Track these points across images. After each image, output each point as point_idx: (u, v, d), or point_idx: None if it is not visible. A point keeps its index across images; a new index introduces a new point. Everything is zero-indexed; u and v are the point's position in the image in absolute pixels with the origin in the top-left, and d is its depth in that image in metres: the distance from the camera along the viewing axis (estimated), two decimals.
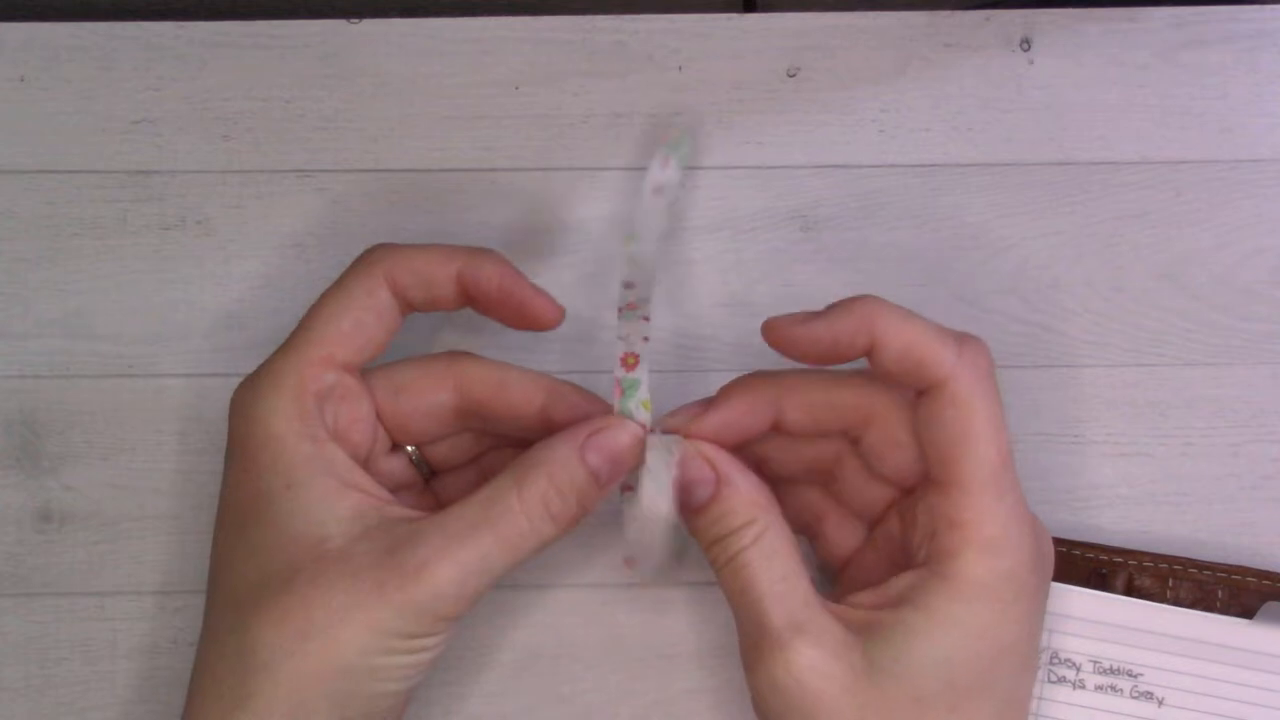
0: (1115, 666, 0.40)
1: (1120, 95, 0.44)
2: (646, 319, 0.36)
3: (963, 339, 0.35)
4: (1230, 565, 0.41)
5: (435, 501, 0.40)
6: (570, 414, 0.37)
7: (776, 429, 0.37)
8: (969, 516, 0.34)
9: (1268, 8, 0.45)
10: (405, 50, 0.44)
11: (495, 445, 0.40)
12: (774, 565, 0.35)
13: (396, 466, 0.40)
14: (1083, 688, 0.40)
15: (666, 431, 0.37)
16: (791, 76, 0.44)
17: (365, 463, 0.38)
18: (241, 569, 0.36)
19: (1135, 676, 0.40)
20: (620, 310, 0.36)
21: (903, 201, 0.44)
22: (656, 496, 0.35)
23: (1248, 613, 0.41)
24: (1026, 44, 0.45)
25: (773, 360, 0.44)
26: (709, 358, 0.44)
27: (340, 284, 0.37)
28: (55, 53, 0.44)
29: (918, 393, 0.35)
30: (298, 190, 0.44)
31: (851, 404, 0.37)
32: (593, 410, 0.37)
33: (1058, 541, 0.42)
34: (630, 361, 0.36)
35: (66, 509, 0.43)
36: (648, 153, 0.42)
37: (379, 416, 0.39)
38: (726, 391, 0.37)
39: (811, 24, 0.45)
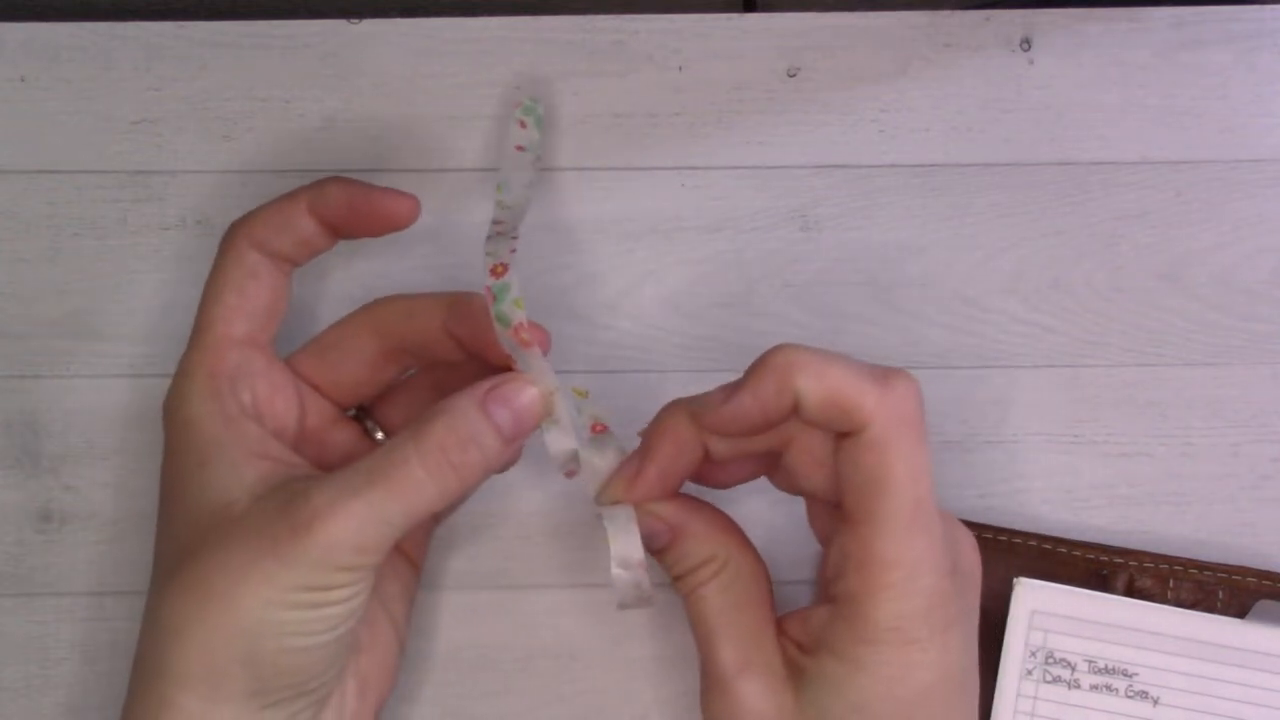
0: (1110, 666, 0.40)
1: (1120, 95, 0.44)
2: (514, 239, 0.37)
3: (887, 379, 0.34)
4: (1230, 565, 0.41)
5: None
6: (465, 324, 0.38)
7: (706, 459, 0.37)
8: (877, 558, 0.34)
9: (1268, 8, 0.45)
10: (405, 50, 0.44)
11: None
12: (729, 600, 0.36)
13: (348, 436, 0.40)
14: (1078, 687, 0.40)
15: (613, 503, 0.37)
16: (791, 76, 0.44)
17: (303, 434, 0.39)
18: (161, 548, 0.37)
19: (1130, 676, 0.40)
20: (488, 237, 0.37)
21: (903, 201, 0.44)
22: (627, 550, 0.36)
23: (1247, 612, 0.41)
24: (1026, 44, 0.45)
25: None
26: (709, 358, 0.44)
27: (213, 267, 0.38)
28: (55, 53, 0.44)
29: (837, 435, 0.35)
30: None
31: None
32: (483, 314, 0.37)
33: (1058, 542, 0.42)
34: (499, 270, 0.37)
35: (66, 509, 0.43)
36: (505, 118, 0.44)
37: (318, 388, 0.39)
38: (649, 442, 0.37)
39: (811, 24, 0.45)
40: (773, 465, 0.38)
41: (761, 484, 0.38)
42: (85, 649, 0.42)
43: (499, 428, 0.35)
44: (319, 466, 0.38)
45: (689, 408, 0.36)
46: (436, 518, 0.42)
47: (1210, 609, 0.41)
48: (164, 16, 0.44)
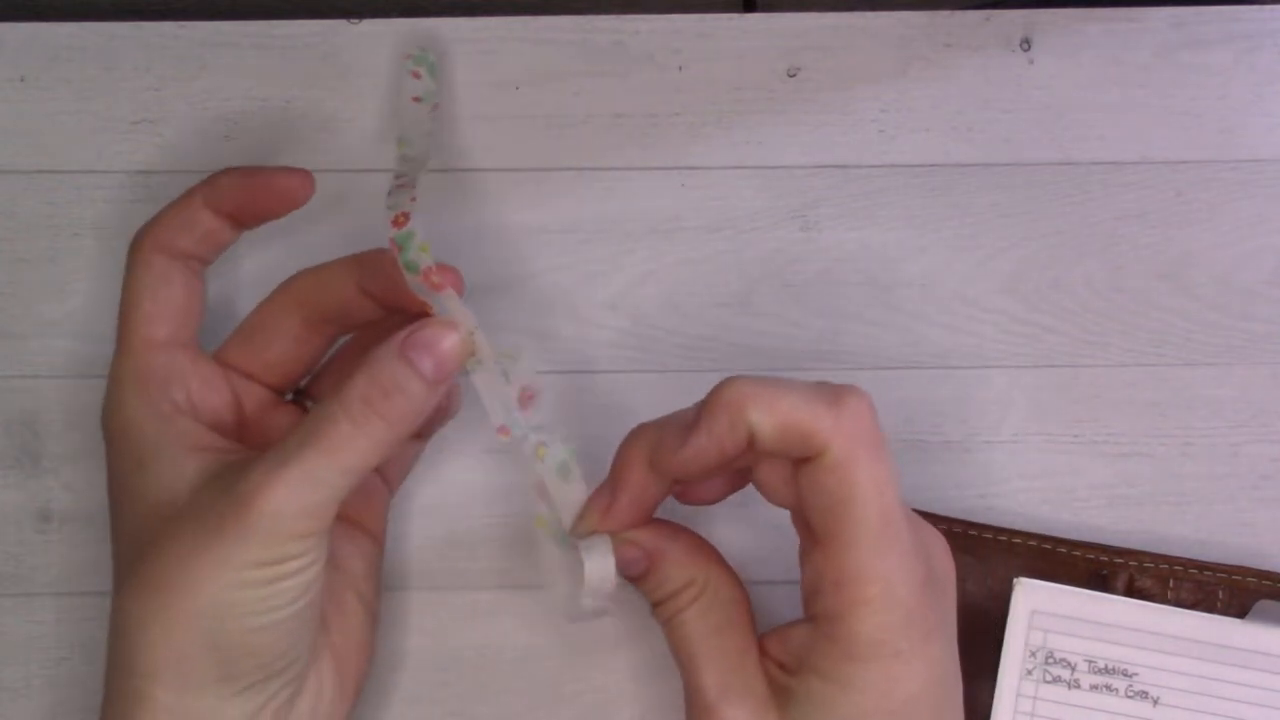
0: (1110, 666, 0.40)
1: (1120, 95, 0.44)
2: (414, 187, 0.38)
3: (839, 399, 0.34)
4: (1230, 565, 0.41)
5: None
6: (377, 280, 0.38)
7: (677, 481, 0.37)
8: (851, 576, 0.34)
9: (1268, 8, 0.45)
10: (405, 50, 0.44)
11: None
12: (709, 624, 0.36)
13: (289, 419, 0.40)
14: (1077, 687, 0.40)
15: (587, 534, 0.37)
16: (791, 76, 0.44)
17: (243, 424, 0.39)
18: (117, 550, 0.37)
19: (1130, 676, 0.40)
20: (389, 192, 0.37)
21: (903, 201, 0.44)
22: (601, 579, 0.36)
23: (1247, 613, 0.41)
24: (1026, 44, 0.45)
25: (772, 359, 0.44)
26: (709, 358, 0.44)
27: (125, 276, 0.39)
28: (55, 53, 0.44)
29: (796, 460, 0.35)
30: None
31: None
32: (392, 267, 0.37)
33: (1058, 542, 0.42)
34: (400, 220, 0.37)
35: (66, 509, 0.43)
36: (396, 71, 0.44)
37: (251, 375, 0.40)
38: (618, 470, 0.37)
39: (811, 24, 0.45)
40: (747, 480, 0.38)
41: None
42: (85, 649, 0.42)
43: (421, 372, 0.35)
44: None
45: (647, 451, 0.36)
46: (390, 484, 0.42)
47: (1210, 609, 0.41)
48: (164, 16, 0.44)
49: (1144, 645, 0.40)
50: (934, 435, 0.43)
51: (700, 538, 0.38)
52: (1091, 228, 0.44)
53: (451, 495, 0.43)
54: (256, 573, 0.34)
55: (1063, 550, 0.41)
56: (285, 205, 0.39)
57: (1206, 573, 0.41)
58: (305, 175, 0.39)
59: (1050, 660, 0.40)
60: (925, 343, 0.44)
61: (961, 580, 0.41)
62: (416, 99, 0.40)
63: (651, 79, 0.44)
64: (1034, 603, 0.40)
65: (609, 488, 0.37)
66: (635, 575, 0.37)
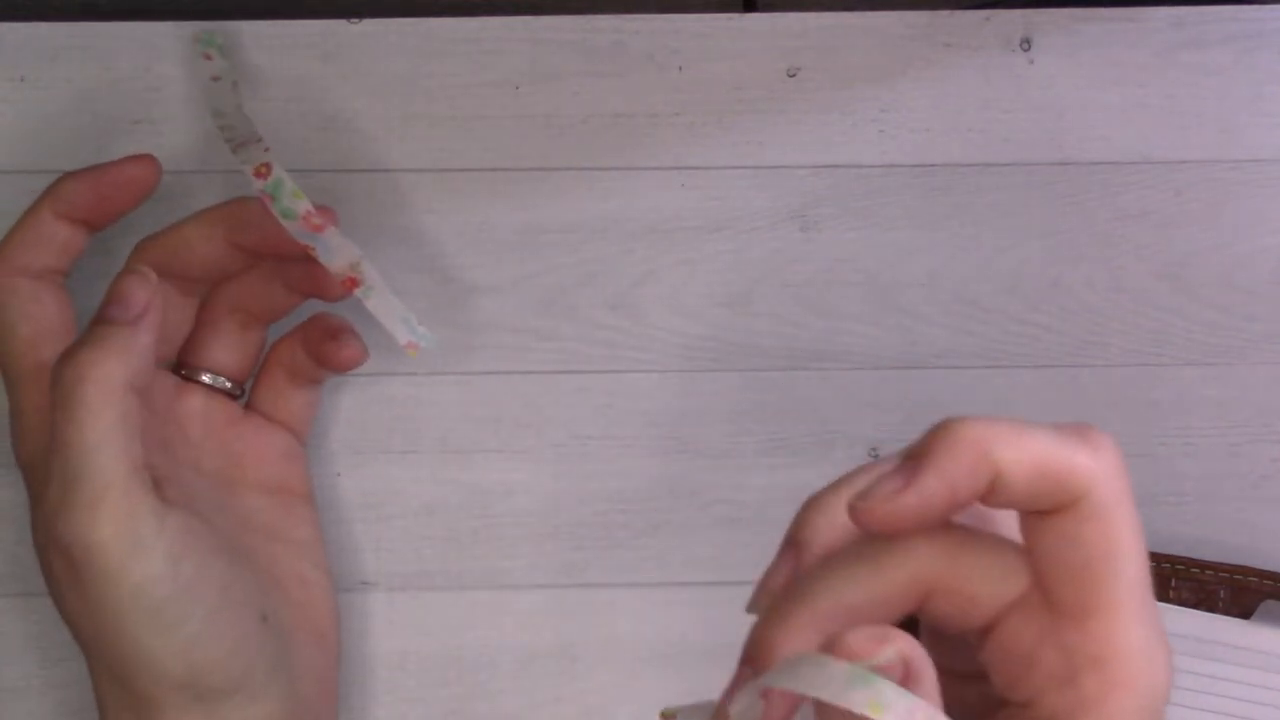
0: None
1: (1120, 95, 0.44)
2: (258, 140, 0.39)
3: (1089, 436, 0.28)
4: (1231, 565, 0.41)
5: (261, 417, 0.41)
6: (250, 232, 0.38)
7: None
8: (1114, 651, 0.27)
9: (1268, 8, 0.45)
10: (405, 50, 0.44)
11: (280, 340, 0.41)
12: None
13: (199, 398, 0.40)
14: None
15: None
16: (791, 76, 0.44)
17: (162, 419, 0.39)
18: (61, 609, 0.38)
19: None
20: (233, 151, 0.39)
21: (903, 201, 0.44)
22: None
23: (1249, 613, 0.41)
24: (1026, 44, 0.45)
25: (772, 359, 0.44)
26: (709, 358, 0.44)
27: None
28: (55, 53, 0.44)
29: (1035, 513, 0.28)
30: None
31: (903, 583, 0.28)
32: (266, 217, 0.38)
33: None
34: (263, 170, 0.38)
35: None
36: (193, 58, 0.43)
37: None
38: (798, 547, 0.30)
39: (811, 24, 0.45)
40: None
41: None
42: None
43: (111, 316, 0.36)
44: (184, 441, 0.39)
45: (844, 499, 0.28)
46: (300, 438, 0.42)
47: (1211, 609, 0.41)
48: (164, 16, 0.44)
49: None
50: None
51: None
52: (1091, 228, 0.44)
53: (451, 495, 0.43)
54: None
55: None
56: (135, 197, 0.39)
57: (1208, 572, 0.41)
58: (149, 161, 0.39)
59: None
60: (925, 343, 0.44)
61: None
62: (215, 78, 0.41)
63: (651, 79, 0.44)
64: None
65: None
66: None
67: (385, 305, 0.38)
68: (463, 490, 0.43)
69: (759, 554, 0.44)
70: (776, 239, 0.44)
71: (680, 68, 0.44)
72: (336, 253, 0.38)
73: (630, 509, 0.43)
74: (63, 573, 0.35)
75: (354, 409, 0.43)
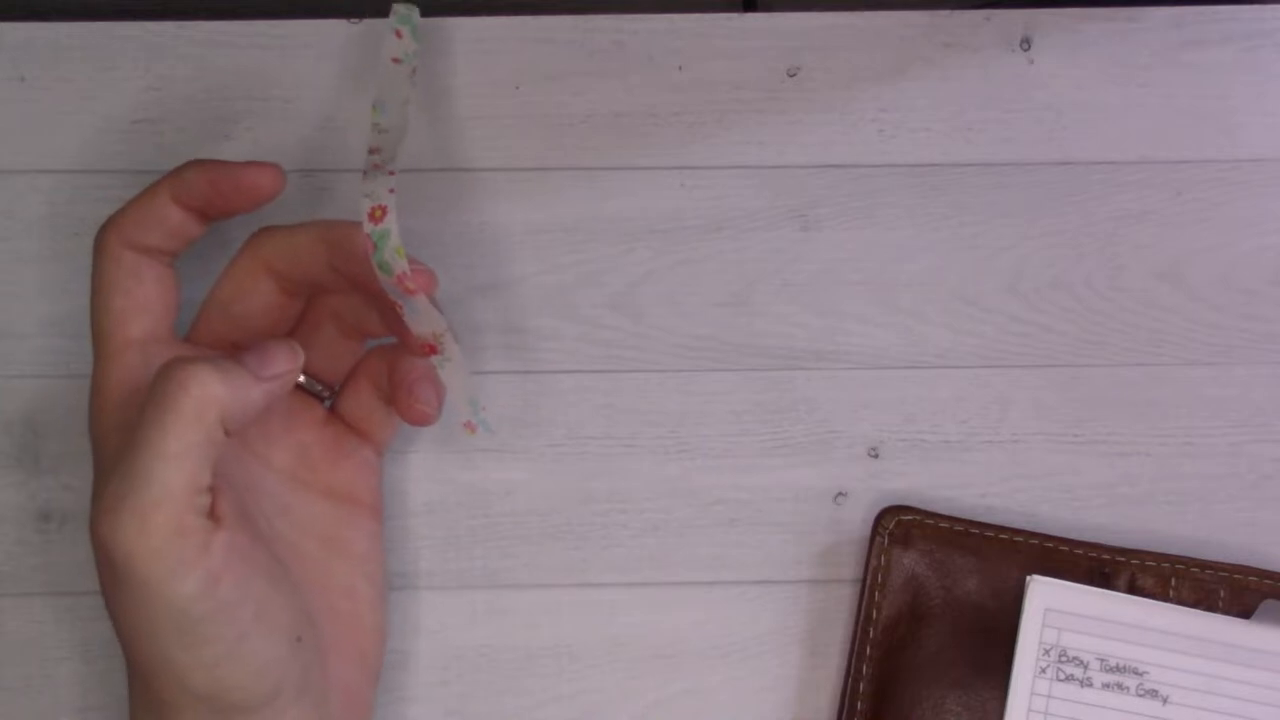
0: (1121, 664, 0.40)
1: (1120, 95, 0.44)
2: (392, 173, 0.37)
3: None
4: (1231, 564, 0.41)
5: (343, 424, 0.41)
6: (348, 264, 0.38)
7: None
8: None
9: (1268, 8, 0.45)
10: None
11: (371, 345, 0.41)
12: None
13: (283, 400, 0.39)
14: (1090, 685, 0.40)
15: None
16: (791, 76, 0.44)
17: None
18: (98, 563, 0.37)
19: (1141, 674, 0.40)
20: (364, 173, 0.37)
21: (903, 201, 0.44)
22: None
23: (1249, 612, 0.41)
24: (1026, 44, 0.45)
25: (771, 359, 0.44)
26: (709, 357, 0.44)
27: (94, 274, 0.38)
28: (55, 53, 0.44)
29: None
30: (298, 190, 0.44)
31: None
32: (359, 243, 0.37)
33: (1060, 541, 0.42)
34: (377, 215, 0.36)
35: (66, 509, 0.43)
36: (386, 27, 0.42)
37: (233, 346, 0.39)
38: None
39: (811, 24, 0.45)
40: None
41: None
42: (85, 649, 0.42)
43: (244, 362, 0.36)
44: (262, 435, 0.39)
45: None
46: (378, 451, 0.41)
47: (1212, 608, 0.41)
48: (164, 16, 0.44)
49: (1154, 644, 0.40)
50: (934, 435, 0.43)
51: None
52: (1091, 228, 0.44)
53: (451, 495, 0.43)
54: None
55: (1064, 549, 0.41)
56: (254, 201, 0.39)
57: (1208, 571, 0.41)
58: (275, 170, 0.38)
59: (1064, 659, 0.40)
60: (925, 343, 0.44)
61: (963, 579, 0.41)
62: (396, 60, 0.38)
63: (651, 79, 0.44)
64: (1047, 600, 0.40)
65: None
66: None
67: (457, 381, 0.38)
68: (462, 490, 0.43)
69: (759, 554, 0.44)
70: (776, 239, 0.44)
71: (680, 68, 0.44)
72: (422, 319, 0.37)
73: (630, 509, 0.43)
74: (104, 570, 0.35)
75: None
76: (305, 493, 0.40)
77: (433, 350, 0.38)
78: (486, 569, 0.43)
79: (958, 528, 0.42)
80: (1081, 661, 0.40)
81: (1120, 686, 0.40)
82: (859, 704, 0.41)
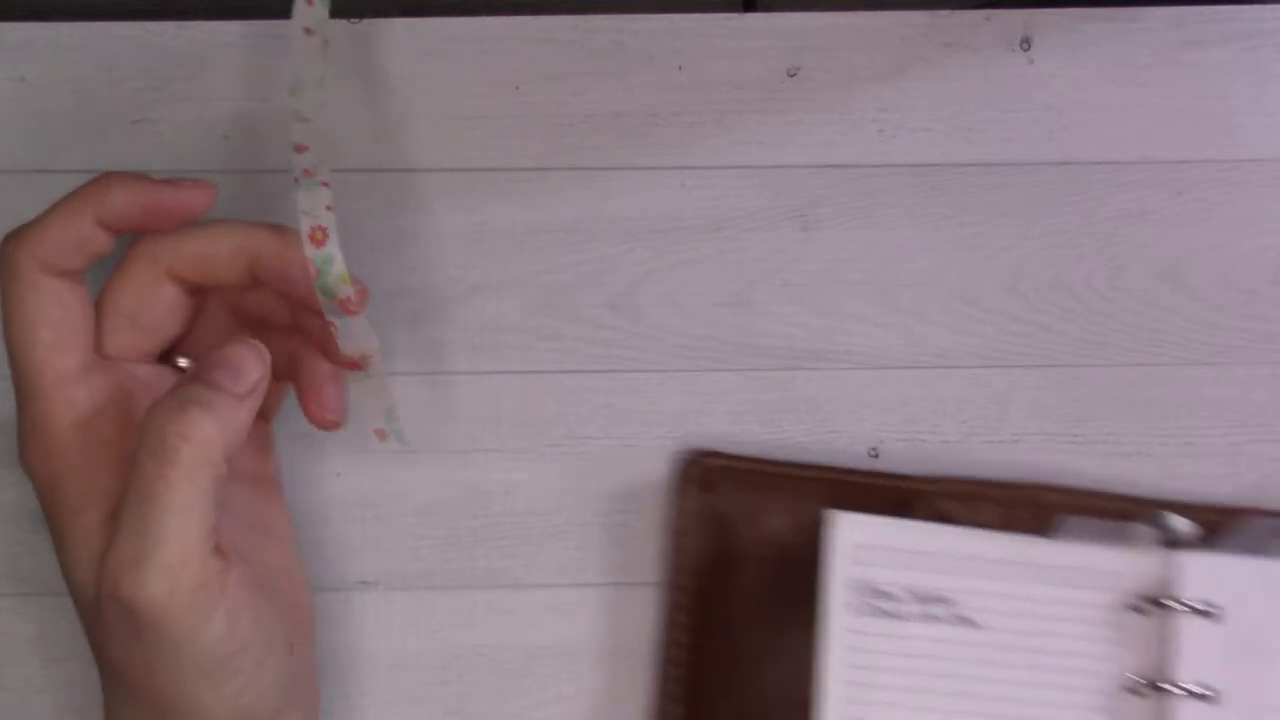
0: (930, 594, 0.39)
1: (1120, 95, 0.44)
2: (326, 185, 0.35)
3: None
4: (1029, 483, 0.42)
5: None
6: (273, 274, 0.37)
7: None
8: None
9: (1268, 8, 0.45)
10: (405, 50, 0.44)
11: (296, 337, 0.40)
12: None
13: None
14: (902, 618, 0.40)
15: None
16: (791, 76, 0.44)
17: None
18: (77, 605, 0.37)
19: (950, 602, 0.39)
20: (296, 180, 0.35)
21: (903, 201, 0.44)
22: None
23: (1049, 530, 0.40)
24: (1026, 44, 0.45)
25: (771, 359, 0.44)
26: (709, 357, 0.44)
27: (6, 299, 0.36)
28: (55, 53, 0.44)
29: None
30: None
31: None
32: (291, 262, 0.36)
33: (853, 473, 0.41)
34: (318, 237, 0.35)
35: None
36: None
37: (142, 358, 0.38)
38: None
39: (811, 24, 0.45)
40: None
41: None
42: (85, 649, 0.42)
43: (219, 383, 0.35)
44: None
45: None
46: (267, 420, 0.41)
47: (1014, 529, 0.40)
48: (164, 16, 0.44)
49: (959, 570, 0.40)
50: (934, 435, 0.43)
51: None
52: (1091, 228, 0.44)
53: (452, 495, 0.43)
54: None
55: (865, 481, 0.41)
56: (184, 221, 0.37)
57: (1008, 492, 0.41)
58: (208, 189, 0.37)
59: (872, 593, 0.40)
60: (925, 343, 0.44)
61: (769, 519, 0.41)
62: (309, 30, 0.36)
63: (651, 79, 0.44)
64: (849, 536, 0.40)
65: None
66: None
67: (378, 393, 0.37)
68: (462, 490, 0.43)
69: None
70: (776, 239, 0.44)
71: (680, 68, 0.44)
72: (356, 339, 0.36)
73: (630, 509, 0.43)
74: (117, 622, 0.34)
75: (353, 409, 0.43)
76: (232, 484, 0.39)
77: (357, 367, 0.37)
78: (486, 569, 0.43)
79: (748, 465, 0.41)
80: (890, 595, 0.39)
81: (932, 616, 0.39)
82: (678, 652, 0.41)
